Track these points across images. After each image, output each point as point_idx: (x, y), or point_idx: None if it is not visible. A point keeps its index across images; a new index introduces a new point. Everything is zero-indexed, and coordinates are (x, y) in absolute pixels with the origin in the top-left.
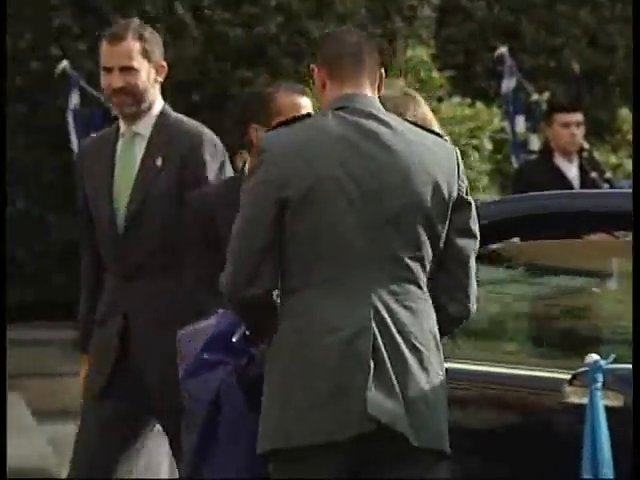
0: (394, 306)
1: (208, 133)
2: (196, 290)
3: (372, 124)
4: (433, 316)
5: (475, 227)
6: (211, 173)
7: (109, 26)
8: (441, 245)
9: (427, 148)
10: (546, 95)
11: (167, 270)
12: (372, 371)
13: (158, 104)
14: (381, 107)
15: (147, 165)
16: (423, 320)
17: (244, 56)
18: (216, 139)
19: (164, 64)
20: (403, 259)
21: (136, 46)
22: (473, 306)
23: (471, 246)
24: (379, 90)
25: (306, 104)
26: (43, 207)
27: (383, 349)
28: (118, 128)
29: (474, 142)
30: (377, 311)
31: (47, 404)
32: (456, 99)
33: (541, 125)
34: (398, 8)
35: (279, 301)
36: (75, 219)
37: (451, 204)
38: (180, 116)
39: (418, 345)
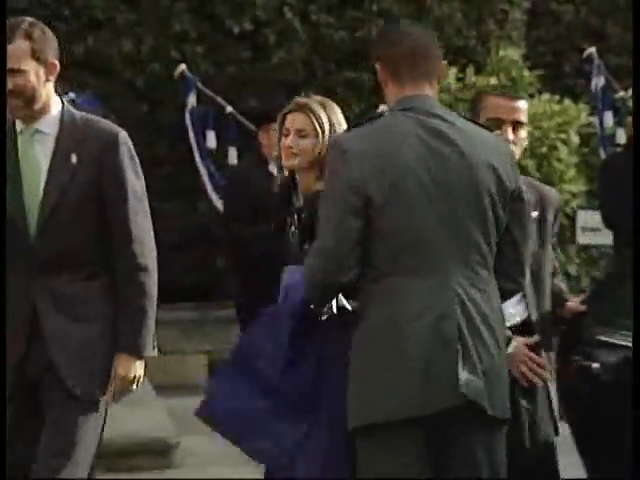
0: (471, 290)
1: (123, 132)
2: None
3: (437, 122)
4: (498, 294)
5: (525, 214)
6: (128, 173)
7: (224, 31)
8: (502, 231)
9: (486, 143)
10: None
11: (78, 266)
12: (460, 351)
13: (56, 103)
14: (440, 106)
15: (58, 163)
16: (493, 300)
17: (347, 57)
18: (129, 140)
19: (56, 62)
20: (476, 246)
21: (24, 47)
22: (524, 282)
23: (524, 231)
24: (438, 83)
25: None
26: (163, 198)
27: (465, 330)
28: (13, 126)
29: (562, 136)
30: (458, 295)
31: (166, 379)
32: (545, 96)
33: (627, 120)
34: (491, 12)
35: (360, 288)
36: (193, 208)
37: (509, 194)
38: (86, 115)
39: (492, 324)
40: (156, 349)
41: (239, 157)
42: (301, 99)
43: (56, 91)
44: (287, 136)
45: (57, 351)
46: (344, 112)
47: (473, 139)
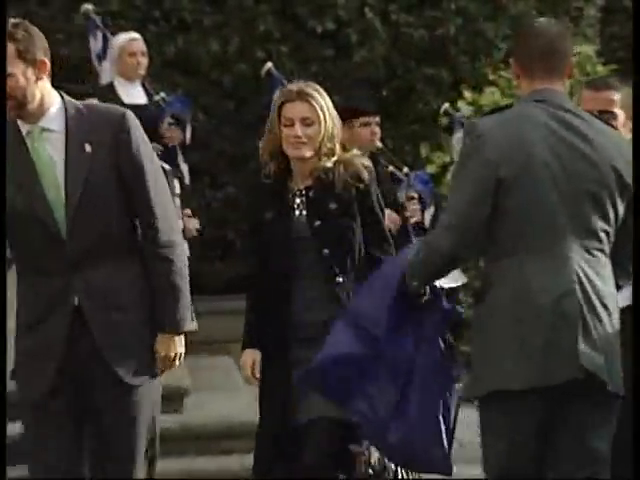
0: (589, 272)
1: (131, 114)
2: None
3: (567, 116)
4: (613, 279)
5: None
6: (142, 151)
7: (307, 31)
8: (619, 223)
9: (610, 138)
10: None
11: (111, 255)
12: (580, 326)
13: (55, 98)
14: (569, 100)
15: (75, 156)
16: (609, 283)
17: (427, 55)
18: (136, 118)
19: (44, 60)
20: (596, 232)
21: (9, 49)
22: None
23: (634, 223)
24: (568, 78)
25: None
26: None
27: (585, 308)
28: (17, 128)
29: None
30: (578, 275)
31: None
32: None
33: None
34: (565, 9)
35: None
36: None
37: (627, 188)
38: (89, 103)
39: (607, 304)
40: (195, 322)
41: None
42: (294, 87)
43: (145, 88)
44: (289, 126)
45: (104, 342)
46: (423, 107)
47: (601, 134)
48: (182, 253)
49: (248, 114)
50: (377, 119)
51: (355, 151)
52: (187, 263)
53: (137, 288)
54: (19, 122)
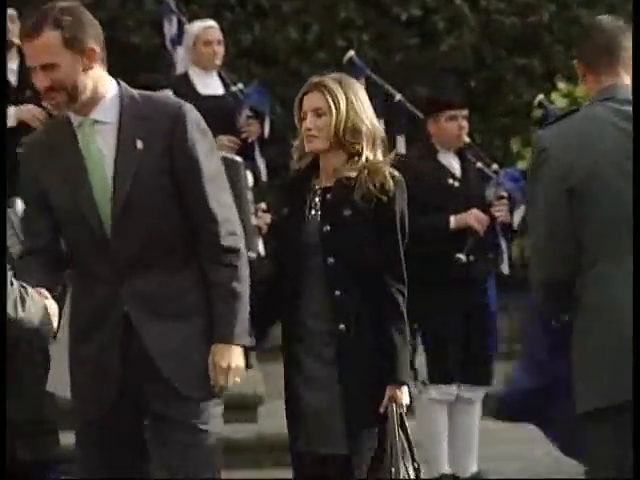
0: None
1: (189, 106)
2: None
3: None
4: None
5: None
6: (199, 148)
7: (391, 18)
8: None
9: None
10: None
11: (163, 262)
12: None
13: (110, 87)
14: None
15: (125, 151)
16: None
17: (518, 44)
18: (196, 112)
19: (94, 47)
20: None
21: (54, 37)
22: None
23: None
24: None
25: None
26: None
27: None
28: (68, 120)
29: None
30: None
31: None
32: None
33: None
34: None
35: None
36: None
37: None
38: (148, 93)
39: None
40: (253, 337)
41: (407, 145)
42: (315, 78)
43: (222, 79)
44: (304, 119)
45: (158, 354)
46: (514, 100)
47: None
48: (245, 260)
49: None
50: (465, 112)
51: (385, 158)
52: (248, 271)
53: (194, 296)
54: (71, 114)
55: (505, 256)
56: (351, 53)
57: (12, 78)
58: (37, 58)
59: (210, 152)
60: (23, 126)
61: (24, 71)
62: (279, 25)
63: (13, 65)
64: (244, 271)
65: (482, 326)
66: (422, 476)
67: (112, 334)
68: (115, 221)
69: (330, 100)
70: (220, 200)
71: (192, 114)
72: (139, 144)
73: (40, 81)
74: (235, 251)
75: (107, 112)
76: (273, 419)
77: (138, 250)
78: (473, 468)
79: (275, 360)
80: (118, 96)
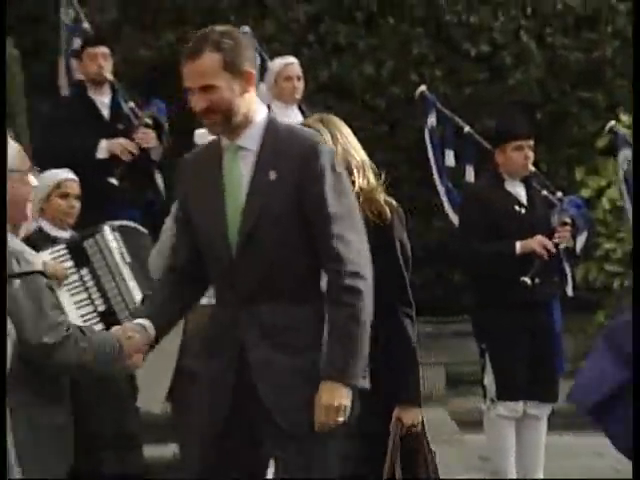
0: None
1: (325, 146)
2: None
3: None
4: None
5: None
6: (328, 185)
7: (461, 54)
8: None
9: None
10: None
11: (288, 291)
12: None
13: (260, 114)
14: None
15: (259, 180)
16: None
17: (582, 78)
18: (333, 149)
19: (252, 71)
20: None
21: (214, 60)
22: None
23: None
24: None
25: None
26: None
27: None
28: (219, 142)
29: None
30: None
31: None
32: None
33: None
34: None
35: None
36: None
37: None
38: (291, 125)
39: None
40: (367, 380)
41: (476, 175)
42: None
43: (302, 111)
44: None
45: (263, 383)
46: (578, 131)
47: None
48: (367, 302)
49: (401, 137)
50: (530, 142)
51: (378, 183)
52: (371, 306)
53: (311, 331)
54: (222, 138)
55: (569, 279)
56: (422, 88)
57: (105, 112)
58: (196, 80)
59: (341, 191)
60: (114, 159)
61: (116, 105)
62: (355, 61)
63: (105, 99)
64: (364, 313)
65: (548, 345)
66: None
67: (229, 358)
68: (240, 248)
69: None
70: (345, 240)
71: (327, 153)
72: (272, 175)
73: (198, 102)
74: (356, 292)
75: (251, 139)
76: None
77: (261, 278)
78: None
79: None
80: (264, 124)
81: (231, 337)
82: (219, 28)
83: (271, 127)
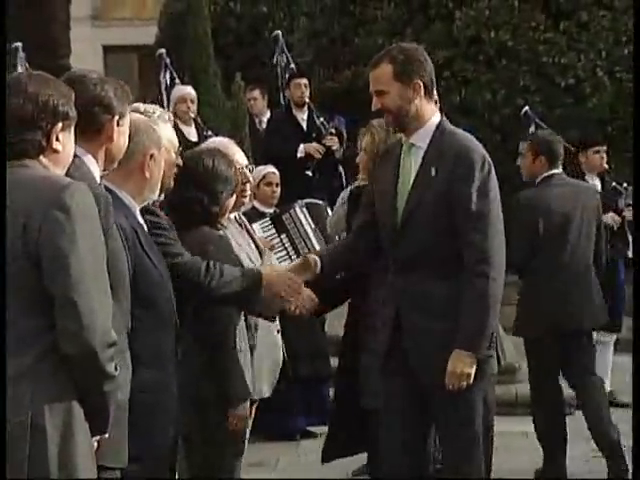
0: None
1: (477, 146)
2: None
3: None
4: None
5: None
6: (474, 185)
7: (555, 84)
8: None
9: None
10: None
11: (435, 267)
12: None
13: (433, 117)
14: None
15: (422, 173)
16: None
17: None
18: (485, 154)
19: (419, 82)
20: None
21: (387, 70)
22: None
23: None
24: None
25: None
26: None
27: None
28: (401, 139)
29: None
30: None
31: (512, 321)
32: None
33: None
34: None
35: None
36: None
37: None
38: (455, 130)
39: None
40: (494, 349)
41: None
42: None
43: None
44: None
45: (411, 344)
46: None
47: None
48: (495, 286)
49: (510, 144)
50: (604, 148)
51: None
52: (501, 290)
53: (455, 300)
54: (402, 135)
55: (630, 244)
56: (526, 108)
57: (304, 124)
58: (374, 85)
59: (485, 191)
60: (309, 157)
61: (311, 120)
62: (478, 90)
63: (304, 115)
64: (491, 297)
65: (616, 291)
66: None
67: (389, 317)
68: (402, 225)
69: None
70: (482, 233)
71: (477, 155)
72: (432, 171)
73: (374, 104)
74: (485, 276)
75: (421, 139)
76: None
77: (415, 252)
78: (607, 388)
79: None
80: (435, 126)
81: (390, 299)
82: (399, 45)
83: (439, 130)
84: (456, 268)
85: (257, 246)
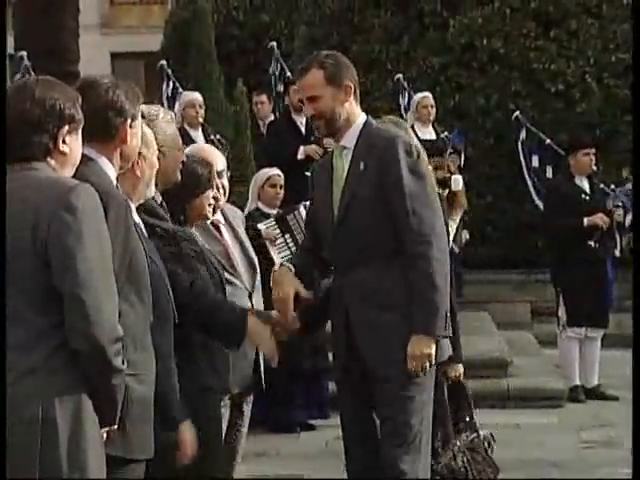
0: None
1: (403, 136)
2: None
3: None
4: None
5: None
6: (404, 170)
7: (545, 90)
8: None
9: None
10: None
11: (376, 259)
12: None
13: (359, 118)
14: None
15: (353, 170)
16: None
17: (627, 107)
18: (412, 141)
19: (350, 84)
20: None
21: (319, 75)
22: None
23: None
24: None
25: None
26: (504, 201)
27: None
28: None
29: None
30: None
31: (504, 318)
32: None
33: None
34: None
35: None
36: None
37: None
38: (380, 126)
39: None
40: (449, 329)
41: (553, 173)
42: None
43: (435, 129)
44: None
45: (360, 337)
46: (624, 143)
47: None
48: (440, 266)
49: (503, 146)
50: (593, 151)
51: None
52: (447, 269)
53: (400, 291)
54: (332, 142)
55: (618, 244)
56: (517, 113)
57: (302, 128)
58: (305, 92)
59: (416, 173)
60: (308, 159)
61: (309, 124)
62: (471, 95)
63: (303, 119)
64: (438, 276)
65: (603, 289)
66: (562, 386)
67: (340, 316)
68: (338, 223)
69: None
70: (418, 214)
71: (402, 142)
72: (361, 165)
73: (307, 111)
74: (427, 257)
75: (350, 140)
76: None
77: (355, 247)
78: (594, 382)
79: (464, 311)
80: (361, 126)
81: (339, 300)
82: (323, 52)
83: (365, 128)
84: (397, 258)
85: (247, 254)
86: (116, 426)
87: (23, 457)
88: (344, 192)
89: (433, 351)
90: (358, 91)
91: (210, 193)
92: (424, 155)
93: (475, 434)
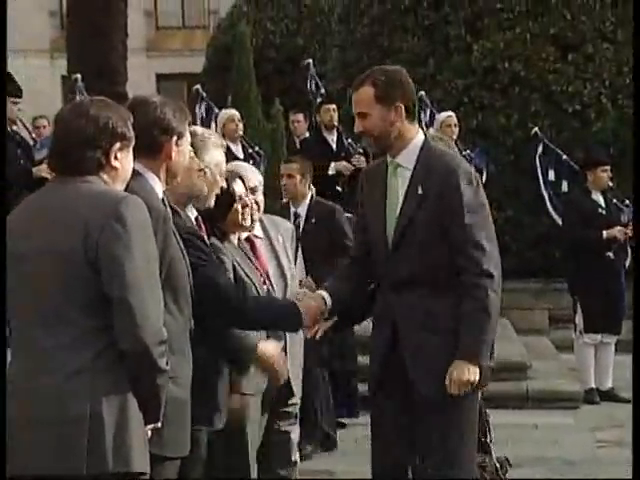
0: None
1: (462, 163)
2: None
3: None
4: None
5: None
6: (465, 200)
7: (562, 110)
8: None
9: None
10: None
11: (429, 284)
12: None
13: (417, 138)
14: None
15: (410, 194)
16: None
17: None
18: (471, 169)
19: (401, 104)
20: None
21: (369, 93)
22: None
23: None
24: None
25: None
26: (524, 216)
27: None
28: (386, 158)
29: None
30: None
31: (523, 325)
32: None
33: None
34: None
35: None
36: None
37: None
38: (441, 149)
39: None
40: (493, 359)
41: (568, 187)
42: None
43: (458, 147)
44: None
45: (410, 358)
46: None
47: None
48: (493, 295)
49: (522, 163)
50: (608, 167)
51: None
52: (498, 300)
53: (449, 316)
54: (387, 155)
55: (629, 256)
56: (535, 129)
57: (333, 145)
58: (356, 107)
59: (477, 204)
60: (340, 175)
61: (340, 141)
62: (493, 114)
63: (334, 137)
64: (491, 305)
65: (617, 298)
66: (578, 389)
67: (385, 333)
68: (394, 246)
69: None
70: (479, 246)
71: (463, 171)
72: (419, 189)
73: (356, 126)
74: (482, 287)
75: (407, 159)
76: None
77: (408, 271)
78: (608, 385)
79: None
80: (420, 147)
81: (387, 318)
82: (380, 68)
83: (425, 150)
84: (450, 285)
85: (280, 265)
86: (160, 424)
87: (70, 452)
88: (401, 215)
89: (476, 378)
90: (416, 109)
91: (238, 206)
92: (481, 182)
93: (488, 456)
